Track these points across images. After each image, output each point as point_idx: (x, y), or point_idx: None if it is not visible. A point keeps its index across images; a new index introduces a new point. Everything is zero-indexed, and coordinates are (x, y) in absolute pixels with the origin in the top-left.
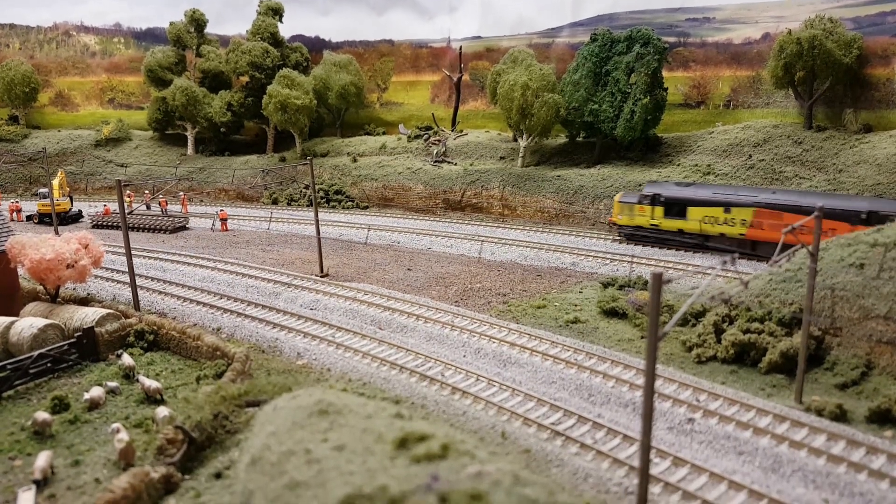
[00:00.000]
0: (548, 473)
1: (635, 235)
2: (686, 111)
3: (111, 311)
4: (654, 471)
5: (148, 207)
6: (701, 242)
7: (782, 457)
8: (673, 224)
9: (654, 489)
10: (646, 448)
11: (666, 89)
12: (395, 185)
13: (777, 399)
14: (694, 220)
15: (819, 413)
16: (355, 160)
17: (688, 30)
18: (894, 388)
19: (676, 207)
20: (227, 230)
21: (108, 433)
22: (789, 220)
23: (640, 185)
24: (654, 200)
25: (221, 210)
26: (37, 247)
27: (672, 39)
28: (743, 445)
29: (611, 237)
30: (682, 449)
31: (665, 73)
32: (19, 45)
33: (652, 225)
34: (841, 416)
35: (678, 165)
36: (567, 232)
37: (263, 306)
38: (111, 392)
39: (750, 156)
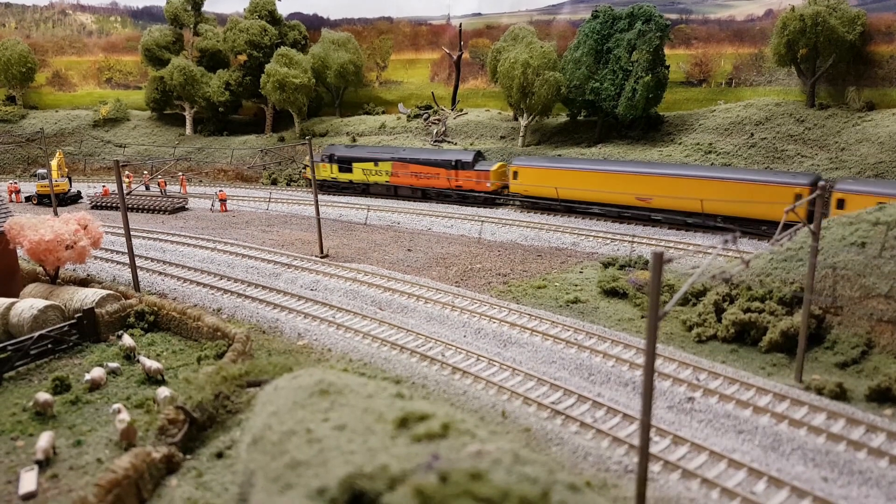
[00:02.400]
0: (548, 452)
1: (322, 186)
2: (688, 89)
3: (111, 292)
4: (653, 449)
5: (147, 188)
6: (366, 188)
7: (782, 435)
8: (345, 176)
9: (654, 467)
10: (646, 427)
11: (668, 67)
12: None
13: (777, 378)
14: (358, 172)
15: (819, 392)
16: (354, 140)
17: (690, 6)
18: (894, 366)
19: (346, 164)
20: (226, 211)
21: (109, 413)
22: (414, 169)
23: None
24: (332, 159)
25: (221, 191)
26: (36, 228)
27: (674, 16)
28: (743, 424)
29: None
30: (681, 427)
31: (667, 51)
32: (15, 25)
33: (332, 178)
34: (841, 394)
35: (680, 144)
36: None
37: (264, 287)
38: (112, 373)
39: (752, 134)
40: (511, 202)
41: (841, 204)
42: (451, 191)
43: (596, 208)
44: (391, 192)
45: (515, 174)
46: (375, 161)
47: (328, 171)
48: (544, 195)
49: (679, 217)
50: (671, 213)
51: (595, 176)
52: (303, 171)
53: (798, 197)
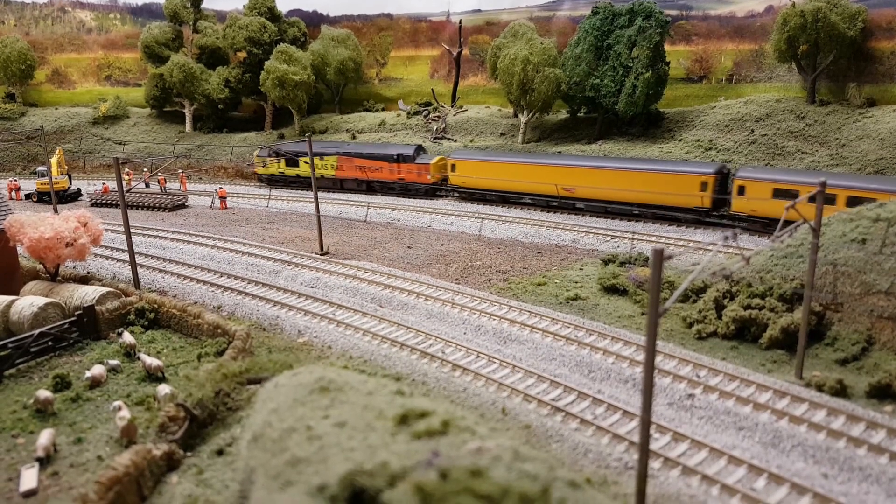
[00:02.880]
0: (548, 449)
1: (271, 180)
2: (688, 85)
3: (111, 289)
4: (653, 446)
5: (147, 185)
6: (309, 182)
7: (782, 432)
8: (292, 171)
9: (654, 464)
10: (646, 423)
11: (668, 63)
12: None
13: (777, 374)
14: (304, 166)
15: (819, 388)
16: (354, 137)
17: (690, 2)
18: (895, 363)
19: (293, 159)
20: (226, 208)
21: (109, 411)
22: (359, 163)
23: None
24: (279, 154)
25: (220, 188)
26: (35, 225)
27: (674, 12)
28: (743, 421)
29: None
30: (682, 424)
31: (667, 47)
32: (14, 22)
33: (279, 172)
34: (841, 391)
35: (680, 140)
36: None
37: (264, 284)
38: (112, 370)
39: (752, 130)
40: (451, 193)
41: (742, 190)
42: (395, 183)
43: (527, 198)
44: (337, 185)
45: (453, 167)
46: (321, 156)
47: (276, 167)
48: (479, 186)
49: (600, 205)
50: (593, 201)
51: (524, 168)
52: (251, 165)
53: (704, 185)
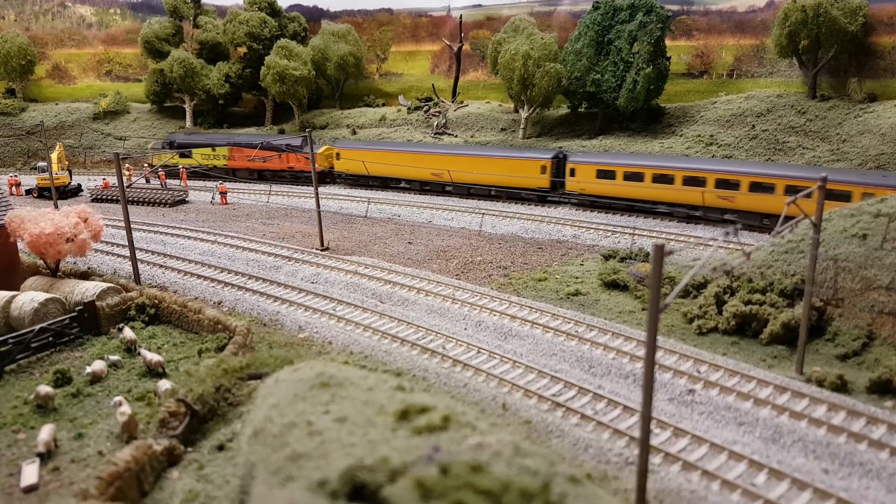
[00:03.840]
0: (548, 444)
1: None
2: (689, 81)
3: (112, 284)
4: (654, 441)
5: (147, 181)
6: (203, 171)
7: (783, 427)
8: (185, 162)
9: (655, 459)
10: (646, 419)
11: (669, 58)
12: None
13: (778, 370)
14: (197, 157)
15: (820, 384)
16: (355, 132)
17: None
18: (895, 358)
19: (186, 150)
20: (226, 203)
21: (110, 406)
22: (248, 153)
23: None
24: (172, 146)
25: (221, 183)
26: (36, 221)
27: (675, 7)
28: (743, 416)
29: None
30: (682, 420)
31: (668, 42)
32: (14, 17)
33: (173, 164)
34: (842, 386)
35: (681, 136)
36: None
37: (264, 280)
38: (113, 365)
39: (753, 126)
40: (339, 180)
41: (573, 172)
42: (285, 172)
43: (403, 183)
44: (230, 174)
45: (338, 155)
46: (213, 146)
47: (173, 157)
48: (361, 172)
49: (464, 187)
50: (458, 185)
51: (399, 156)
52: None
53: (543, 168)
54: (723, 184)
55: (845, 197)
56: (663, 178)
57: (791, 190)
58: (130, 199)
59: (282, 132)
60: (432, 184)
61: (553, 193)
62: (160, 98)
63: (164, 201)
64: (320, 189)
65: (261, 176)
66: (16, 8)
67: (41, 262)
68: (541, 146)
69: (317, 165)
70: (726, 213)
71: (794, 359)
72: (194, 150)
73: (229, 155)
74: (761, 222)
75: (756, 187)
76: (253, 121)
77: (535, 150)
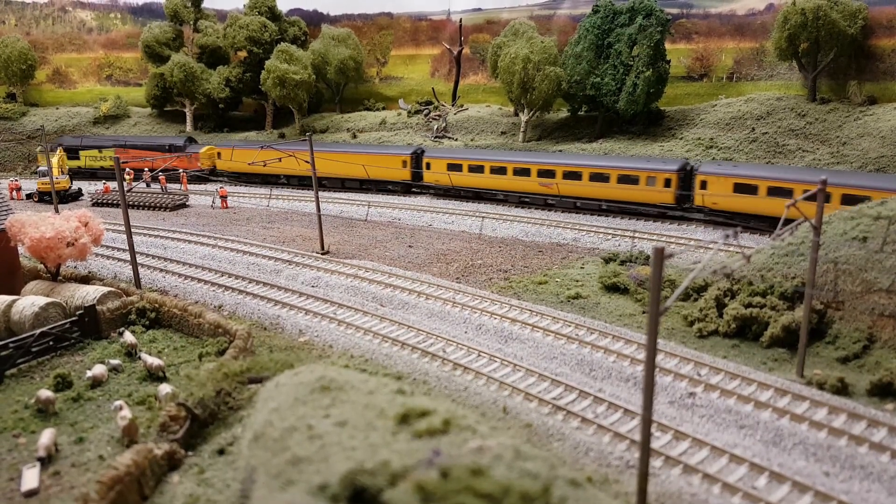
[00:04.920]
0: (549, 448)
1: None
2: (689, 84)
3: (112, 289)
4: (655, 444)
5: (148, 185)
6: (93, 173)
7: (783, 430)
8: (73, 163)
9: (656, 463)
10: (647, 422)
11: (668, 62)
12: None
13: (778, 373)
14: (84, 159)
15: (820, 386)
16: (355, 136)
17: (690, 1)
18: None
19: (74, 152)
20: (227, 207)
21: (111, 410)
22: (135, 154)
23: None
24: (64, 149)
25: (221, 187)
26: (37, 225)
27: (675, 11)
28: (744, 419)
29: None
30: (683, 423)
31: (667, 45)
32: (15, 22)
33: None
34: (842, 389)
35: (681, 139)
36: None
37: (265, 284)
38: (113, 370)
39: (753, 129)
40: (222, 178)
41: (429, 166)
42: (169, 171)
43: (283, 179)
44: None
45: (219, 155)
46: (99, 148)
47: (62, 161)
48: (240, 170)
49: (336, 181)
50: (334, 179)
51: (273, 154)
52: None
53: (404, 163)
54: (520, 172)
55: (787, 193)
56: (500, 170)
57: (596, 177)
58: (131, 203)
59: (282, 136)
60: (308, 178)
61: (414, 185)
62: (161, 102)
63: (164, 205)
64: (430, 203)
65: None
66: (16, 12)
67: (42, 266)
68: (541, 149)
69: (199, 164)
70: (548, 198)
71: (795, 361)
72: (82, 152)
73: (114, 156)
74: (574, 205)
75: (545, 174)
76: (253, 125)
77: (397, 147)
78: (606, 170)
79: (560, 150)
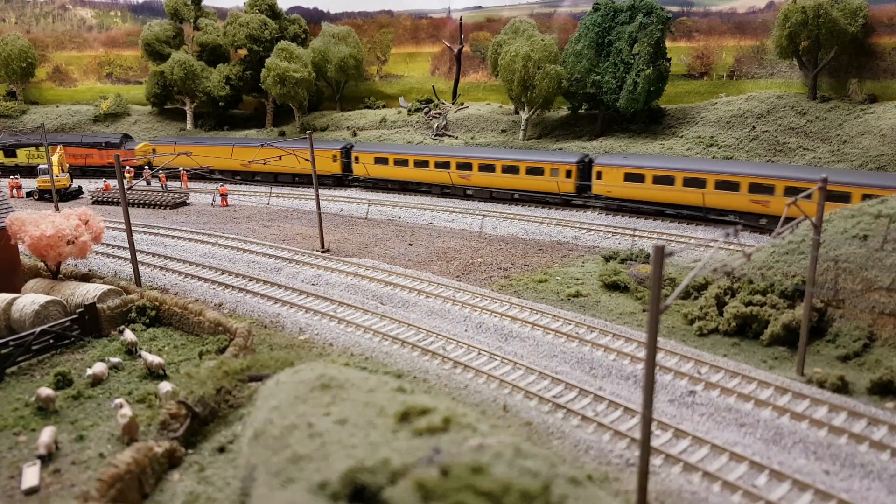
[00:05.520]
0: (549, 446)
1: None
2: (689, 82)
3: (113, 287)
4: (655, 443)
5: (148, 183)
6: (31, 170)
7: (784, 428)
8: (11, 161)
9: (656, 461)
10: (647, 420)
11: (669, 60)
12: None
13: (779, 371)
14: (22, 156)
15: (821, 385)
16: (355, 134)
17: None
18: None
19: (11, 150)
20: (227, 205)
21: (111, 408)
22: (71, 151)
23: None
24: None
25: (221, 185)
26: (37, 223)
27: (675, 9)
28: (744, 417)
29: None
30: (683, 421)
31: (668, 44)
32: (15, 20)
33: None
34: (842, 387)
35: (681, 137)
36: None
37: (265, 282)
38: (114, 368)
39: (753, 127)
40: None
41: (357, 159)
42: (106, 167)
43: (217, 173)
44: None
45: (154, 151)
46: (36, 146)
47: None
48: (175, 165)
49: (271, 175)
50: (265, 174)
51: (203, 149)
52: None
53: (335, 158)
54: (440, 165)
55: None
56: (423, 164)
57: (508, 169)
58: (131, 201)
59: (282, 134)
60: (242, 173)
61: (345, 179)
62: (161, 100)
63: (164, 203)
64: (430, 201)
65: (84, 172)
66: (16, 10)
67: (42, 264)
68: (541, 147)
69: (135, 160)
70: (466, 189)
71: (795, 360)
72: (19, 150)
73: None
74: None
75: (462, 167)
76: (254, 123)
77: (329, 142)
78: (516, 162)
79: (560, 149)
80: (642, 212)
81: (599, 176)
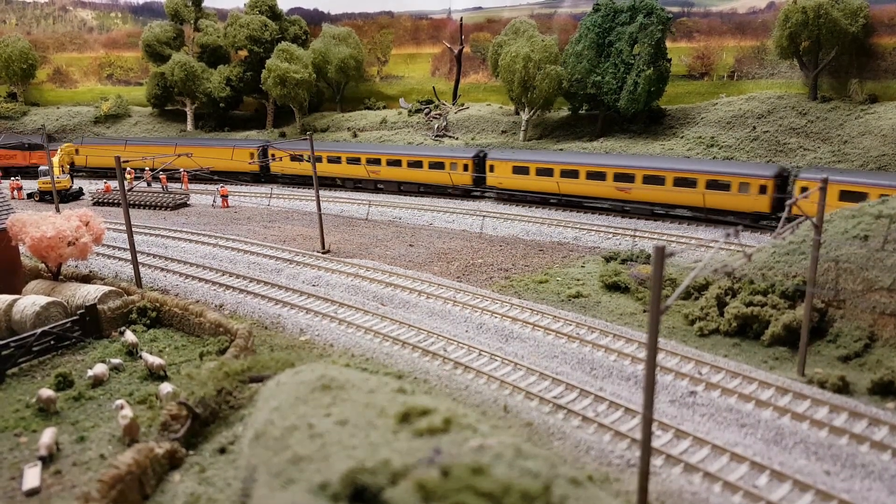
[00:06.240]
0: (550, 446)
1: None
2: (690, 82)
3: (113, 288)
4: (655, 443)
5: (148, 184)
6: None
7: (784, 429)
8: None
9: (656, 461)
10: (648, 421)
11: (669, 60)
12: None
13: (780, 371)
14: None
15: (821, 385)
16: (356, 135)
17: None
18: None
19: None
20: (227, 207)
21: (112, 409)
22: None
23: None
24: None
25: (222, 186)
26: (37, 224)
27: (676, 9)
28: (745, 418)
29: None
30: (684, 422)
31: (668, 44)
32: (16, 21)
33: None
34: (843, 388)
35: (682, 137)
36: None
37: (265, 283)
38: (115, 369)
39: (754, 127)
40: (82, 172)
41: (273, 156)
42: (29, 167)
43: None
44: None
45: (77, 151)
46: None
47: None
48: (96, 165)
49: (203, 173)
50: (196, 170)
51: (121, 150)
52: None
53: (252, 156)
54: (352, 160)
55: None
56: (335, 160)
57: (413, 164)
58: (132, 202)
59: (283, 135)
60: (171, 171)
61: (262, 177)
62: (161, 101)
63: (165, 204)
64: (430, 202)
65: (7, 172)
66: (17, 12)
67: (43, 265)
68: (541, 148)
69: (56, 160)
70: (377, 183)
71: (796, 360)
72: None
73: None
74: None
75: (372, 162)
76: (254, 124)
77: (247, 141)
78: (420, 157)
79: (560, 149)
80: (528, 200)
81: (492, 169)
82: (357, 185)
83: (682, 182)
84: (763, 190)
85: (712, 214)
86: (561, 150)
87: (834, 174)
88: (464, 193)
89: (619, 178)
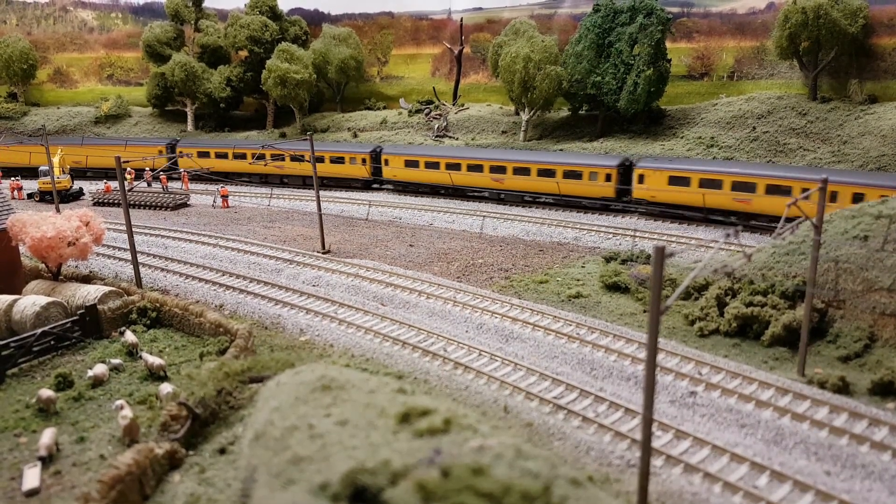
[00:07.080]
0: (550, 447)
1: None
2: (690, 83)
3: (113, 288)
4: (656, 444)
5: (149, 185)
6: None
7: (784, 429)
8: None
9: (657, 462)
10: (648, 421)
11: (669, 61)
12: None
13: (780, 372)
14: None
15: (822, 385)
16: (356, 135)
17: None
18: None
19: None
20: (227, 207)
21: (112, 410)
22: None
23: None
24: None
25: (222, 187)
26: (38, 224)
27: (675, 9)
28: (745, 418)
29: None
30: (684, 422)
31: (668, 44)
32: (16, 21)
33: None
34: (843, 388)
35: (682, 138)
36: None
37: (266, 283)
38: (115, 369)
39: (754, 128)
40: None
41: (181, 153)
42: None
43: (90, 172)
44: None
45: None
46: None
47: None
48: (96, 165)
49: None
50: (102, 169)
51: (76, 150)
52: None
53: (161, 153)
54: (295, 159)
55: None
56: (277, 157)
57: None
58: (132, 202)
59: (283, 136)
60: (96, 169)
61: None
62: (162, 102)
63: (165, 205)
64: (430, 202)
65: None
66: (18, 12)
67: (43, 265)
68: (541, 148)
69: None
70: (305, 179)
71: (796, 360)
72: None
73: None
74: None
75: (295, 159)
76: (254, 124)
77: (153, 140)
78: (322, 153)
79: (561, 150)
80: (421, 192)
81: (387, 163)
82: (262, 179)
83: (544, 173)
84: (609, 178)
85: (567, 198)
86: (561, 150)
87: (663, 162)
88: (364, 186)
89: (494, 170)
